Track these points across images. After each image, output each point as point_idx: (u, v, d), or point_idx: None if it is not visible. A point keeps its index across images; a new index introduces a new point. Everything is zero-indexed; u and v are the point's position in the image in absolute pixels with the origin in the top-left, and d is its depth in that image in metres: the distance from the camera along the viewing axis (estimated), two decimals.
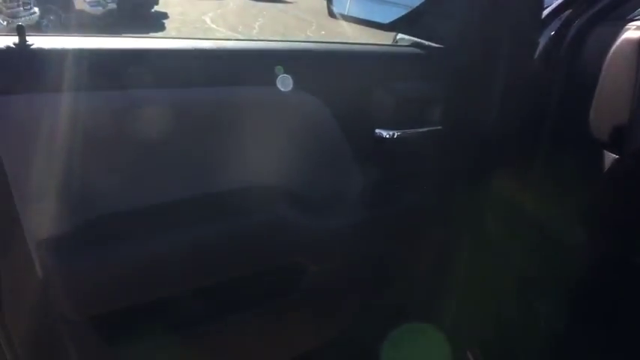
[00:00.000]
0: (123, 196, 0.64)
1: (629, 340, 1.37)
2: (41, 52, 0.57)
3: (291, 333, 0.84)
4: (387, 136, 0.84)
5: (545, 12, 1.30)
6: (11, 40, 0.55)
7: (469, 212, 1.06)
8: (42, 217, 0.59)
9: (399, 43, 0.94)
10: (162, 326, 0.69)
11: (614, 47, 1.08)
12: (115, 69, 0.62)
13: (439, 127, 0.90)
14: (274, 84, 0.71)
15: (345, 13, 1.18)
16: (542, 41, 1.26)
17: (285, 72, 0.75)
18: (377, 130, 0.84)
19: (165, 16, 9.75)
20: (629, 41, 1.05)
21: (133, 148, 0.64)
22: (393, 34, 1.05)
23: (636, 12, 1.18)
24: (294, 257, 0.78)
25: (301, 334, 0.87)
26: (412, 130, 0.87)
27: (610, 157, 1.10)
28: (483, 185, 1.03)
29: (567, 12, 1.23)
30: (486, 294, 1.26)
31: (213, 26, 9.05)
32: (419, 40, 0.95)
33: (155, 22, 9.15)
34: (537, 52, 1.24)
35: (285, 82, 0.74)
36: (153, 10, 9.77)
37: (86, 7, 7.09)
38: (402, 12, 1.04)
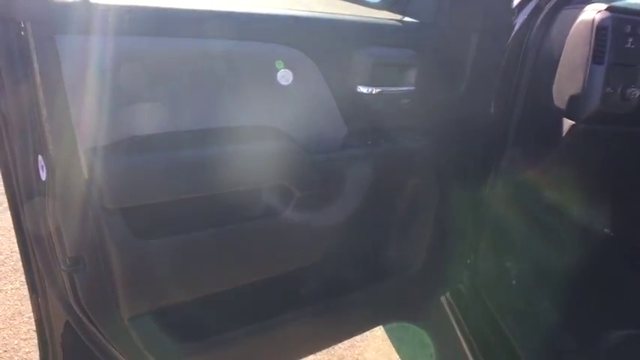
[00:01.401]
0: (154, 122, 0.84)
1: (587, 302, 1.53)
2: (96, 5, 0.76)
3: (272, 252, 1.02)
4: (367, 92, 1.02)
5: None
6: None
7: (443, 166, 1.22)
8: (91, 132, 0.78)
9: (380, 17, 1.11)
10: (175, 224, 0.88)
11: (573, 27, 1.24)
12: (149, 20, 0.81)
13: (412, 88, 1.08)
14: (269, 42, 0.91)
15: None
16: (517, 25, 1.42)
17: (282, 34, 0.94)
18: (358, 87, 1.02)
19: None
20: (584, 22, 1.21)
21: (164, 85, 0.83)
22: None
23: None
24: (281, 181, 0.97)
25: (280, 254, 1.04)
26: (389, 88, 1.05)
27: (568, 123, 1.26)
28: (454, 138, 1.19)
29: None
30: (461, 243, 1.42)
31: None
32: (398, 14, 1.12)
33: None
34: (513, 35, 1.40)
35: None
36: None
37: None
38: None
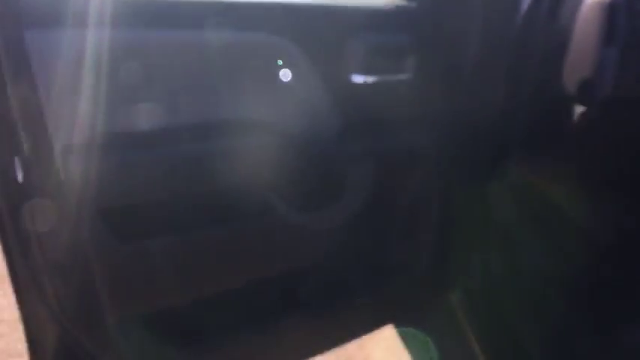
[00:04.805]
0: (133, 119, 0.80)
1: (606, 302, 1.46)
2: None
3: (267, 252, 0.99)
4: (362, 82, 0.97)
5: None
6: None
7: (447, 160, 1.17)
8: (66, 130, 0.75)
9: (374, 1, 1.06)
10: (161, 225, 0.84)
11: (583, 8, 1.17)
12: (124, 11, 0.77)
13: (410, 76, 1.02)
14: (255, 31, 0.86)
15: None
16: (524, 8, 1.35)
17: (269, 22, 0.90)
18: (352, 76, 0.97)
19: None
20: (595, 1, 1.14)
21: (142, 80, 0.79)
22: None
23: None
24: (274, 179, 0.92)
25: (275, 255, 1.00)
26: (385, 77, 1.00)
27: (579, 109, 1.19)
28: (457, 133, 1.13)
29: None
30: (468, 243, 1.37)
31: None
32: None
33: None
34: (519, 18, 1.34)
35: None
36: None
37: None
38: None
